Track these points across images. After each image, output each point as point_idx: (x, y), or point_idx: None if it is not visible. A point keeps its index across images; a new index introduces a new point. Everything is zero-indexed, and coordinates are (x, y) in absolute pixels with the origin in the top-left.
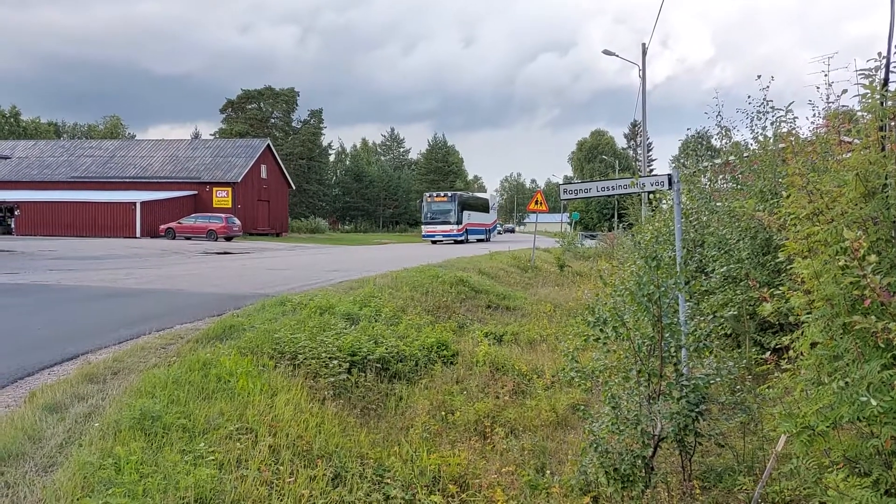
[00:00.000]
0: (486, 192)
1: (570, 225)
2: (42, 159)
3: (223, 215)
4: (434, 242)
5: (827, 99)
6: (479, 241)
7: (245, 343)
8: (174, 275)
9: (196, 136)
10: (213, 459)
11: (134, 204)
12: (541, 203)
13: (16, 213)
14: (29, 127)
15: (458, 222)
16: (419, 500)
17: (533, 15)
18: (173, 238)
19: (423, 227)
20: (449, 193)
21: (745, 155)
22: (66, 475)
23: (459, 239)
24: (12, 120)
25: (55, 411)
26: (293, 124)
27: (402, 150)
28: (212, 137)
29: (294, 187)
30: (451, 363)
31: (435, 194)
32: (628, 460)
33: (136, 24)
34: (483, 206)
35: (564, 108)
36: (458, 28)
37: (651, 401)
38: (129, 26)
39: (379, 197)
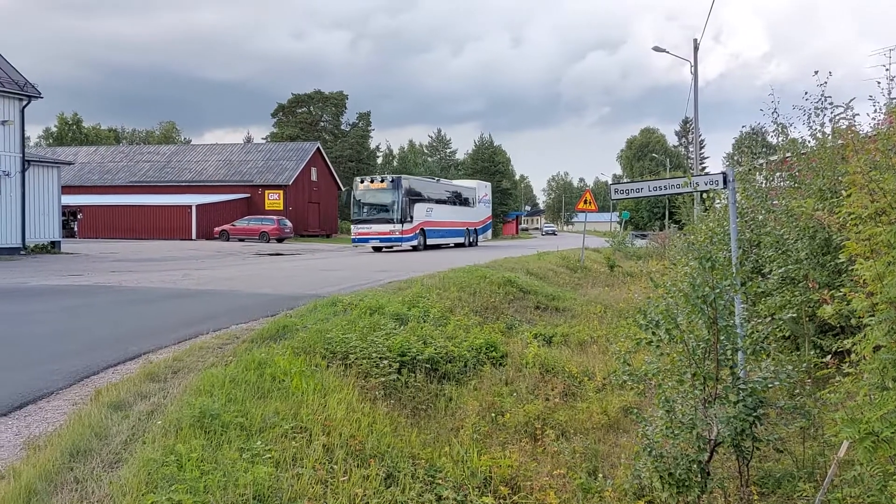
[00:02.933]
0: (533, 191)
1: (620, 224)
2: (103, 164)
3: (275, 217)
4: (377, 249)
5: (889, 93)
6: (456, 245)
7: (298, 343)
8: (229, 276)
9: (248, 140)
10: (269, 457)
11: (190, 207)
12: (590, 202)
13: (78, 216)
14: (90, 133)
15: (404, 220)
16: (471, 501)
17: (582, 13)
18: (227, 240)
19: (352, 226)
20: (391, 177)
21: (802, 152)
22: (131, 471)
23: (412, 244)
24: (74, 127)
25: (119, 409)
26: (342, 127)
27: (448, 150)
28: (263, 141)
29: (343, 189)
30: (501, 364)
31: (369, 179)
32: (683, 465)
33: (194, 33)
34: (461, 198)
35: (614, 105)
36: (507, 28)
37: (707, 404)
38: (188, 35)
39: None
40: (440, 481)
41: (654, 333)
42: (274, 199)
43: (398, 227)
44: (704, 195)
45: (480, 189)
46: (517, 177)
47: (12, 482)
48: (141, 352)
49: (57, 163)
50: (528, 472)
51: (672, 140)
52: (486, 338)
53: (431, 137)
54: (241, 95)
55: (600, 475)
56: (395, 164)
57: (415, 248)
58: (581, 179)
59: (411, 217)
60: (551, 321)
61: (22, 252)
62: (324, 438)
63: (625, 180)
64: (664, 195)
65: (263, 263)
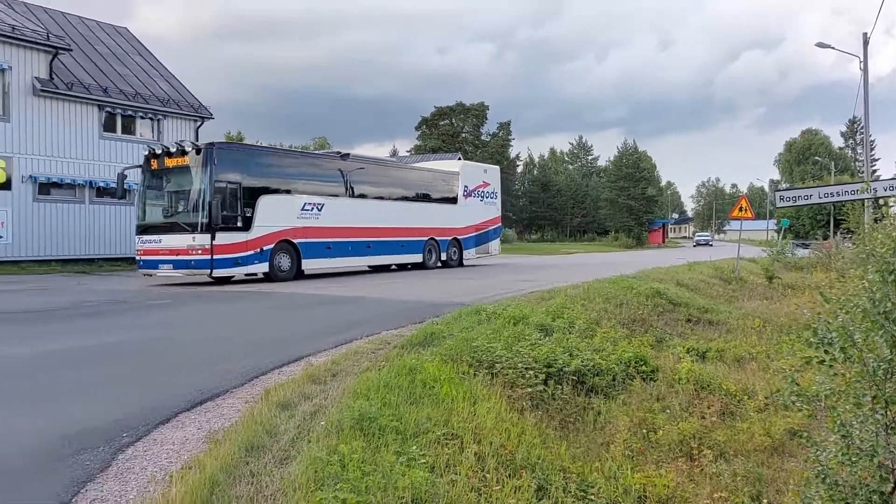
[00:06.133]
0: (680, 198)
1: (778, 233)
2: None
3: None
4: (218, 279)
5: None
6: (414, 266)
7: (446, 350)
8: (376, 283)
9: (394, 153)
10: (424, 462)
11: None
12: (745, 209)
13: None
14: None
15: (217, 225)
16: None
17: (735, 14)
18: None
19: (136, 238)
20: (192, 145)
21: None
22: (299, 468)
23: (254, 270)
24: None
25: (286, 409)
26: (482, 137)
27: (590, 157)
28: (408, 154)
29: None
30: (651, 379)
31: (162, 150)
32: (863, 495)
33: (343, 54)
34: (416, 191)
35: (770, 106)
36: (654, 32)
37: (889, 431)
38: (340, 55)
39: (566, 206)
40: (592, 496)
41: (826, 352)
42: None
43: (203, 239)
44: (881, 201)
45: (468, 174)
46: (663, 183)
47: (198, 473)
48: (301, 354)
49: None
50: (686, 493)
51: (837, 142)
52: (635, 351)
53: (572, 144)
54: (385, 110)
55: (765, 500)
56: (535, 172)
57: (269, 278)
58: (733, 185)
59: (248, 219)
60: (704, 335)
61: None
62: (475, 447)
63: (784, 186)
64: (836, 202)
65: (407, 272)
